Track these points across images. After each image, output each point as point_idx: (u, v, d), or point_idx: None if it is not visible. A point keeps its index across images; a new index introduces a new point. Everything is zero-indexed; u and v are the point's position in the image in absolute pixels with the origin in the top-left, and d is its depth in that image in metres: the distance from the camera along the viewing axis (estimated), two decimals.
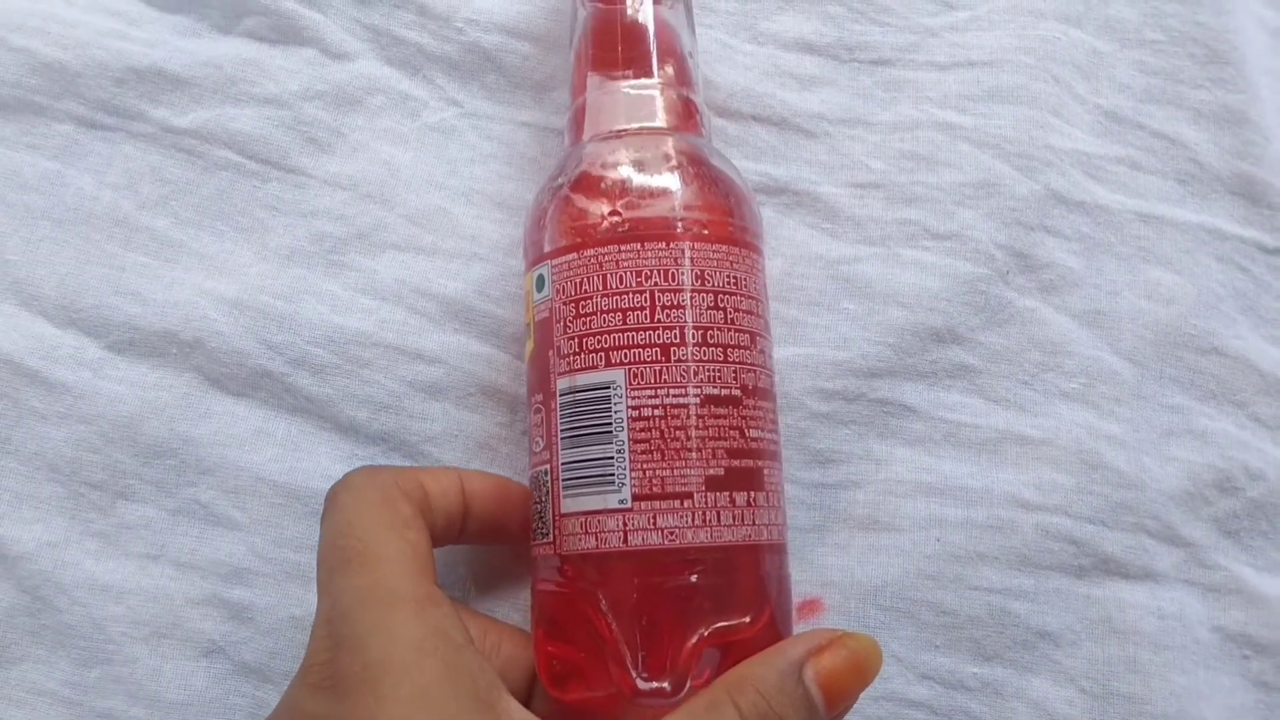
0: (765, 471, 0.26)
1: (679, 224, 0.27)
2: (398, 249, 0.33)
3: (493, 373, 0.32)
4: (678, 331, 0.25)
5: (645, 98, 0.29)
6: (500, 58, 0.34)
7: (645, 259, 0.26)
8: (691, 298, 0.26)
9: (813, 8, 0.35)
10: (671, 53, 0.30)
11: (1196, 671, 0.31)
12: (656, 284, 0.26)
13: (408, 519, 0.24)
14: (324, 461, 0.31)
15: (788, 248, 0.33)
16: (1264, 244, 0.34)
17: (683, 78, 0.30)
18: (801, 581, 0.31)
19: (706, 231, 0.27)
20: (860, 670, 0.24)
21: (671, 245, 0.26)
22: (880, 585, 0.30)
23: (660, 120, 0.28)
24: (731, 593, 0.25)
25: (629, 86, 0.29)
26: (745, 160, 0.34)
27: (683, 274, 0.26)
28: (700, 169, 0.28)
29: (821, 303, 0.32)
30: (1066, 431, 0.31)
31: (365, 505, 0.24)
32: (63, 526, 0.31)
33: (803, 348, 0.32)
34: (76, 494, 0.31)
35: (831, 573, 0.31)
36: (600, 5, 0.30)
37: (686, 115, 0.29)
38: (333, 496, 0.24)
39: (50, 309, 0.32)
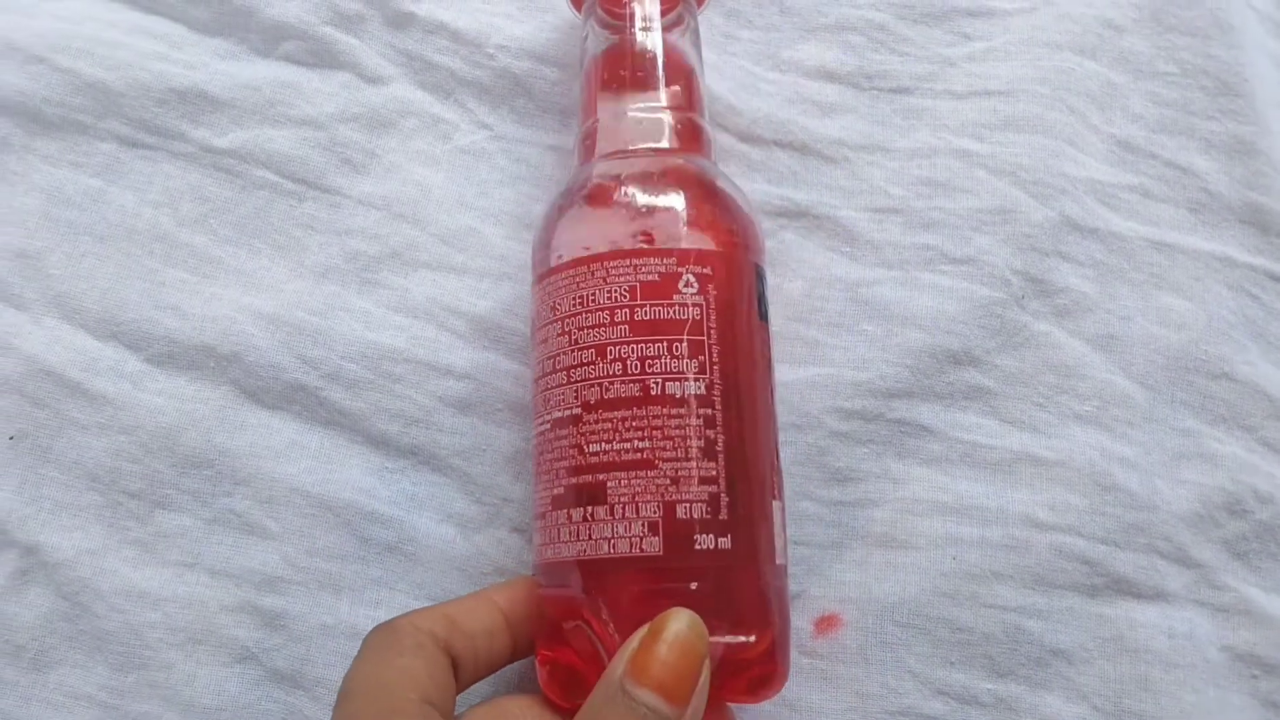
0: (610, 484, 0.25)
1: (542, 263, 0.29)
2: (429, 268, 0.34)
3: (520, 389, 0.33)
4: (538, 364, 0.28)
5: (650, 121, 0.29)
6: (530, 83, 0.35)
7: (532, 299, 0.29)
8: (544, 330, 0.28)
9: (834, 37, 0.36)
10: (679, 76, 0.31)
11: (1207, 690, 0.31)
12: (533, 324, 0.29)
13: (403, 649, 0.24)
14: (355, 473, 0.32)
15: (808, 270, 0.34)
16: (1273, 272, 0.35)
17: (690, 101, 0.30)
18: (820, 597, 0.31)
19: (560, 258, 0.28)
20: (686, 649, 0.23)
21: (536, 286, 0.29)
22: (897, 602, 0.31)
23: (664, 142, 0.29)
24: (568, 609, 0.26)
25: (637, 109, 0.30)
26: (767, 184, 0.34)
27: (541, 309, 0.28)
28: (566, 200, 0.29)
29: (841, 324, 0.33)
30: (1080, 453, 0.32)
31: (365, 648, 0.25)
32: (101, 534, 0.31)
33: (822, 368, 0.33)
34: (115, 503, 0.32)
35: (849, 589, 0.31)
36: (609, 32, 0.31)
37: (690, 137, 0.30)
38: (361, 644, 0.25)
39: (92, 322, 0.33)
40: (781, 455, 0.31)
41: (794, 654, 0.31)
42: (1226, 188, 0.35)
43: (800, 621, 0.31)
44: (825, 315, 0.33)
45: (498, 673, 0.27)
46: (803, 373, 0.33)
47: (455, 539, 0.32)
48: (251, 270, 0.34)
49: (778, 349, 0.33)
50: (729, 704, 0.27)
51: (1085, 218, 0.34)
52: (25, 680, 0.30)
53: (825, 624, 0.31)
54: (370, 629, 0.25)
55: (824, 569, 0.31)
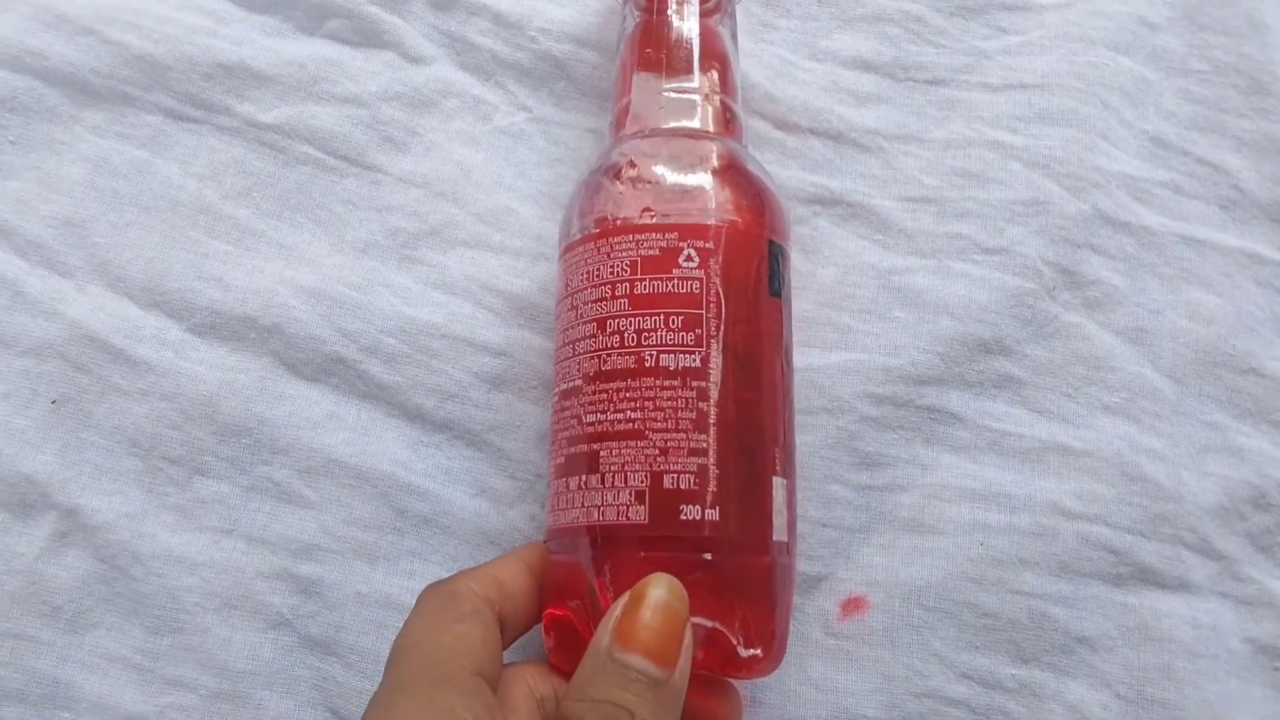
0: (602, 453, 0.26)
1: (563, 239, 0.30)
2: (467, 246, 0.34)
3: (552, 367, 0.33)
4: (556, 339, 0.29)
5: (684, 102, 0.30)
6: (570, 66, 0.36)
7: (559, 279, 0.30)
8: (560, 305, 0.29)
9: (871, 28, 0.36)
10: (713, 60, 0.31)
11: (1229, 681, 0.31)
12: (555, 301, 0.30)
13: (461, 614, 0.25)
14: (392, 446, 0.32)
15: (841, 257, 0.34)
16: None
17: (723, 85, 0.31)
18: (847, 580, 0.32)
19: (575, 234, 0.29)
20: (669, 613, 0.23)
21: (559, 262, 0.30)
22: (924, 586, 0.31)
23: (694, 123, 0.30)
24: (569, 575, 0.27)
25: (669, 90, 0.30)
26: (802, 172, 0.35)
27: (559, 285, 0.29)
28: (587, 179, 0.30)
29: (873, 311, 0.34)
30: (1108, 444, 0.32)
31: (423, 607, 0.25)
32: (141, 499, 0.32)
33: (854, 353, 0.33)
34: (155, 468, 0.32)
35: (876, 572, 0.32)
36: (645, 14, 0.31)
37: (720, 120, 0.30)
38: (416, 601, 0.26)
39: (136, 291, 0.33)
40: (811, 439, 0.32)
41: (820, 634, 0.31)
42: (1257, 185, 0.36)
43: (827, 603, 0.31)
44: (857, 302, 0.34)
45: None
46: (834, 358, 0.33)
47: (489, 513, 0.32)
48: (293, 244, 0.34)
49: (810, 334, 0.33)
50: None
51: (1117, 211, 0.35)
52: (62, 641, 0.31)
53: (852, 606, 0.32)
54: (426, 586, 0.26)
55: (852, 552, 0.32)
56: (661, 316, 0.26)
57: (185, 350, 0.33)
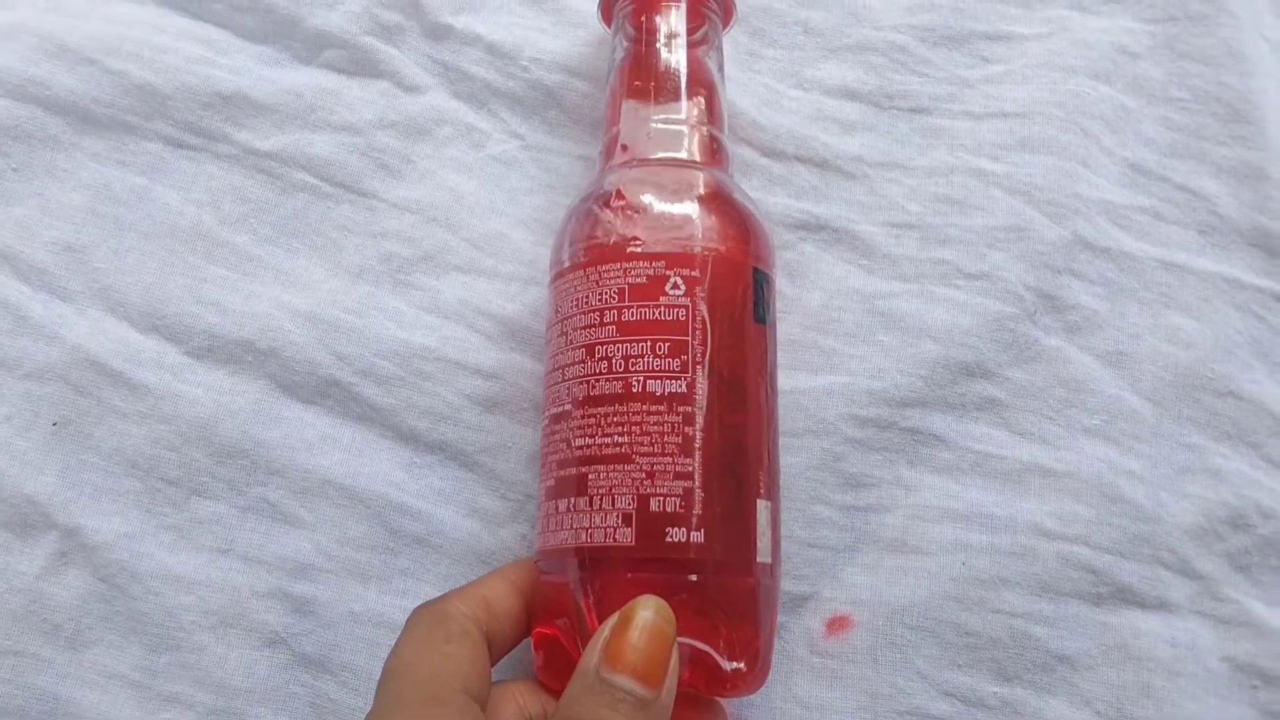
0: (591, 476, 0.26)
1: (553, 267, 0.30)
2: (460, 271, 0.35)
3: (544, 390, 0.34)
4: (546, 364, 0.30)
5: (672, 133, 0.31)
6: (561, 95, 0.36)
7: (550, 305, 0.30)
8: (550, 331, 0.29)
9: (856, 57, 0.37)
10: (700, 90, 0.32)
11: (1207, 699, 0.32)
12: (546, 325, 0.30)
13: (450, 634, 0.25)
14: (385, 467, 0.33)
15: (827, 282, 0.35)
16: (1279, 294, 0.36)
17: (710, 115, 0.32)
18: (832, 599, 0.32)
19: (565, 262, 0.29)
20: (656, 634, 0.24)
21: (549, 290, 0.30)
22: (907, 605, 0.32)
23: (681, 153, 0.30)
24: (558, 594, 0.27)
25: (657, 120, 0.31)
26: (788, 198, 0.36)
27: (549, 311, 0.30)
28: (579, 206, 0.30)
29: (858, 334, 0.34)
30: (1088, 465, 0.33)
31: (413, 628, 0.26)
32: (139, 519, 0.32)
33: (839, 376, 0.34)
34: (153, 489, 0.33)
35: (860, 591, 0.32)
36: (634, 45, 0.32)
37: (707, 150, 0.31)
38: (406, 623, 0.26)
39: (135, 315, 0.34)
40: (797, 460, 0.33)
41: (805, 653, 0.32)
42: (1235, 211, 0.36)
43: (813, 622, 0.32)
44: (842, 326, 0.34)
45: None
46: (819, 381, 0.34)
47: (480, 533, 0.33)
48: (290, 269, 0.35)
49: (795, 357, 0.34)
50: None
51: (1097, 237, 0.35)
52: (61, 659, 0.31)
53: (837, 625, 0.32)
54: (415, 607, 0.26)
55: (836, 571, 0.32)
56: (648, 343, 0.27)
57: (183, 373, 0.34)
